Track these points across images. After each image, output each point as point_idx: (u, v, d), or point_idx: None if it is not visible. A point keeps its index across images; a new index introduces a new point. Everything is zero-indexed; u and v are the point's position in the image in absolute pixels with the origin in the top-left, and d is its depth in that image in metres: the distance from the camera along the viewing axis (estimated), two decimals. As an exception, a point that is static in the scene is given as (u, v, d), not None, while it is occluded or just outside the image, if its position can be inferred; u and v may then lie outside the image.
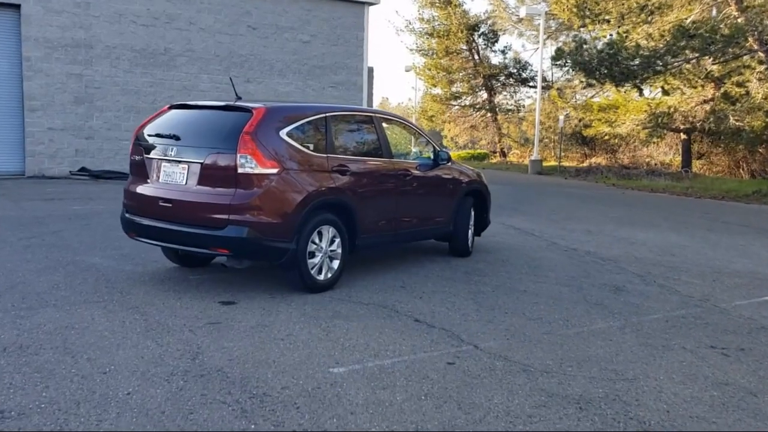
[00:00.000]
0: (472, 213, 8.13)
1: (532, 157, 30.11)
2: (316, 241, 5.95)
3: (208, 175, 5.60)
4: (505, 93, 42.52)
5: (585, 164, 34.33)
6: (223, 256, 5.83)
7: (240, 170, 5.47)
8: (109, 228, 8.72)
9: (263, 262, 6.43)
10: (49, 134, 16.05)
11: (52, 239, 8.03)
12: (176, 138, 5.83)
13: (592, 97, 34.12)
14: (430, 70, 41.06)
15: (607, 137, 32.24)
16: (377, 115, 7.16)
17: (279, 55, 18.69)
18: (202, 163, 5.60)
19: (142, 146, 6.12)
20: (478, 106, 41.94)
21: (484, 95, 42.05)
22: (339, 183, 6.15)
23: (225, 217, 5.48)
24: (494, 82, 41.16)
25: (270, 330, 4.90)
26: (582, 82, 22.87)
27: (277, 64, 18.70)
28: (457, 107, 42.54)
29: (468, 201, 8.02)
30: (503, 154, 41.91)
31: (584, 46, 20.03)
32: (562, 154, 34.49)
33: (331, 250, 6.11)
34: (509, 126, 43.41)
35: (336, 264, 6.18)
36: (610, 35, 20.68)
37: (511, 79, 40.79)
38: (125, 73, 16.89)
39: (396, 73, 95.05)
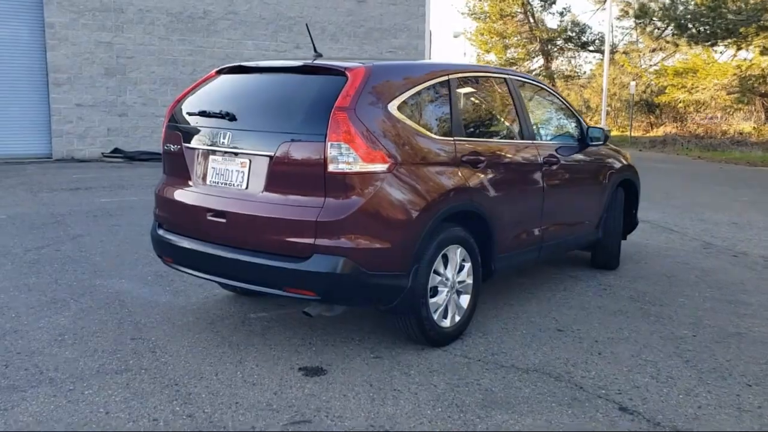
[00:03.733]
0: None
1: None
2: (440, 270, 3.93)
3: (282, 175, 3.60)
4: (562, 58, 39.72)
5: (653, 134, 31.64)
6: (307, 299, 3.75)
7: (331, 167, 3.45)
8: (142, 231, 6.83)
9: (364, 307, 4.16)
10: (78, 111, 14.23)
11: (68, 249, 6.18)
12: (231, 118, 3.82)
13: (664, 59, 31.23)
14: (483, 35, 38.39)
15: (682, 104, 29.48)
16: (512, 77, 5.00)
17: (332, 16, 16.54)
18: (271, 157, 3.59)
19: (179, 130, 4.14)
20: (535, 73, 39.21)
21: (541, 61, 39.31)
22: (471, 181, 4.10)
23: (309, 241, 3.48)
24: (551, 46, 38.38)
25: (396, 440, 2.92)
26: (670, 42, 20.20)
27: (330, 26, 16.56)
28: (512, 74, 39.84)
29: (619, 195, 5.89)
30: (561, 124, 39.27)
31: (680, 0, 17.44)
32: (629, 123, 31.76)
33: (459, 282, 4.10)
34: (569, 93, 40.68)
35: (465, 301, 4.16)
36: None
37: (569, 44, 37.94)
38: (161, 41, 14.95)
39: (441, 39, 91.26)
